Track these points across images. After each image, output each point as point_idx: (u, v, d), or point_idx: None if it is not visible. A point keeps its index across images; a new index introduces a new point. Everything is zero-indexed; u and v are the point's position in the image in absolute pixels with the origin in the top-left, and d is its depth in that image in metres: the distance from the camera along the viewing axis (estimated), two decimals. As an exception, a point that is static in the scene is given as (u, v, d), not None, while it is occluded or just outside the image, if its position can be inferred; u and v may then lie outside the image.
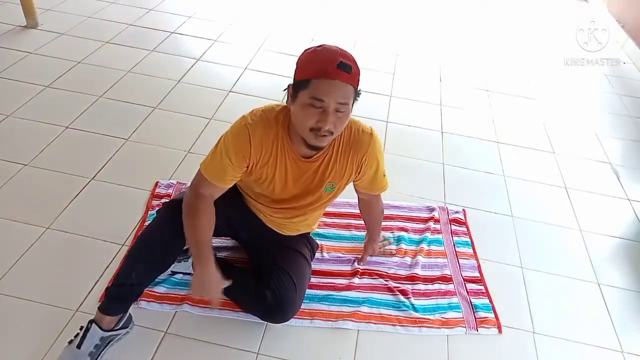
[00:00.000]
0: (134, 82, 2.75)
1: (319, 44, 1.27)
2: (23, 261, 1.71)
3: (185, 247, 1.67)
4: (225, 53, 3.14)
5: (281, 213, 1.58)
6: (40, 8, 3.20)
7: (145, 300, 1.61)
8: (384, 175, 1.57)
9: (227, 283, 1.42)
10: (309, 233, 1.73)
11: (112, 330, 1.43)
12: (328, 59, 1.21)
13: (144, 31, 3.28)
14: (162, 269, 1.51)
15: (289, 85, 1.30)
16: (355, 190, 1.63)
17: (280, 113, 1.37)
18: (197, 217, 1.37)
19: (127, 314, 1.47)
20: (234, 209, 1.61)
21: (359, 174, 1.49)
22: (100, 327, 1.40)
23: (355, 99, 1.28)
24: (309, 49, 1.27)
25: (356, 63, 1.25)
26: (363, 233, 1.99)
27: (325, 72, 1.20)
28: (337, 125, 1.26)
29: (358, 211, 2.06)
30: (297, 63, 1.28)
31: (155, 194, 2.01)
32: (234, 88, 2.79)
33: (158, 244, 1.42)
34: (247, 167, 1.40)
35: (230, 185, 1.44)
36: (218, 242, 1.84)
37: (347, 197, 2.08)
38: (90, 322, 1.41)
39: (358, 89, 1.27)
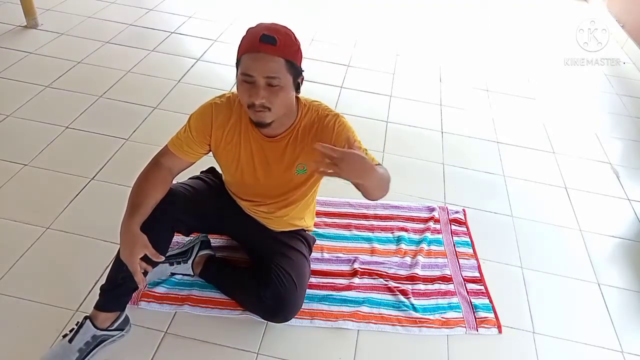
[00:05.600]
0: (134, 82, 2.75)
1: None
2: (23, 261, 1.71)
3: (177, 252, 1.68)
4: (225, 53, 3.14)
5: (264, 206, 1.58)
6: (40, 8, 3.20)
7: (145, 301, 1.61)
8: (367, 154, 1.33)
9: (153, 252, 1.30)
10: (303, 230, 1.73)
11: (106, 330, 1.43)
12: (253, 34, 1.23)
13: (144, 31, 3.28)
14: (153, 261, 1.50)
15: None
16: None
17: None
18: (144, 181, 1.38)
19: (124, 316, 1.47)
20: (228, 209, 1.62)
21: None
22: (94, 325, 1.40)
23: (296, 74, 1.27)
24: None
25: (289, 36, 1.25)
26: (363, 233, 1.99)
27: (250, 47, 1.22)
28: (272, 99, 1.25)
29: (358, 211, 2.08)
30: None
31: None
32: (234, 88, 2.79)
33: (146, 235, 1.42)
34: (209, 145, 1.44)
35: (191, 161, 1.46)
36: (218, 242, 1.84)
37: (347, 196, 2.10)
38: (86, 318, 1.42)
39: (296, 64, 1.27)
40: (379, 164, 1.46)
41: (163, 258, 1.33)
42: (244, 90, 1.26)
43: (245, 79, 1.25)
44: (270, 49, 1.21)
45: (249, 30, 1.26)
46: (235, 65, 1.29)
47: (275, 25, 1.26)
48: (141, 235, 1.31)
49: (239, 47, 1.27)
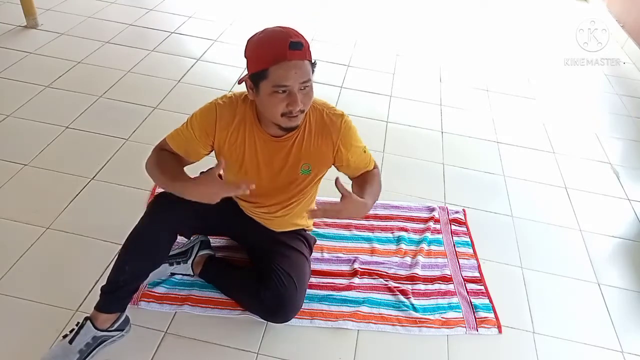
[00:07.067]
0: (134, 82, 2.75)
1: (261, 30, 1.27)
2: (23, 261, 1.71)
3: (176, 252, 1.68)
4: (225, 53, 3.14)
5: (265, 208, 1.58)
6: (40, 8, 3.20)
7: (145, 301, 1.61)
8: (365, 152, 1.50)
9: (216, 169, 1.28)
10: (304, 230, 1.73)
11: (106, 330, 1.43)
12: (278, 42, 1.21)
13: (144, 31, 3.28)
14: (155, 262, 1.51)
15: (244, 78, 1.30)
16: (350, 178, 1.57)
17: (248, 96, 1.37)
18: (159, 163, 1.38)
19: (124, 317, 1.47)
20: (229, 210, 1.61)
21: (338, 158, 1.46)
22: (94, 325, 1.41)
23: (313, 70, 1.28)
24: (252, 37, 1.27)
25: (303, 37, 1.25)
26: (363, 233, 1.99)
27: (280, 56, 1.20)
28: (306, 101, 1.27)
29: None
30: (246, 55, 1.28)
31: (155, 193, 2.01)
32: (234, 88, 2.79)
33: (149, 237, 1.43)
34: (212, 146, 1.43)
35: (190, 159, 1.45)
36: (218, 242, 1.84)
37: (347, 197, 2.09)
38: (86, 319, 1.42)
39: (313, 61, 1.28)
40: (375, 167, 1.53)
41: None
42: (279, 101, 1.24)
43: (278, 90, 1.23)
44: (300, 55, 1.21)
45: (267, 41, 1.23)
46: (252, 77, 1.26)
47: (289, 29, 1.25)
48: (198, 177, 1.32)
49: (258, 60, 1.23)
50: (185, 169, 1.45)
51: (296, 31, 1.25)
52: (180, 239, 1.76)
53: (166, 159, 1.38)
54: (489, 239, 2.06)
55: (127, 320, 1.49)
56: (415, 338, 1.64)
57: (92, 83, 2.67)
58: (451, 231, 2.05)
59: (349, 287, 1.76)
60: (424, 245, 1.96)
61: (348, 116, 1.46)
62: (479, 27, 4.09)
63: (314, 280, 1.75)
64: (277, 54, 1.20)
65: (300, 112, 1.28)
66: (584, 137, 2.84)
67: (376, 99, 2.91)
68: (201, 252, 1.70)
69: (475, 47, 3.75)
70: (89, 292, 1.62)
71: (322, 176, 1.54)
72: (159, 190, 2.02)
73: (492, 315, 1.73)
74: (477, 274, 1.88)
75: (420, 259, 1.89)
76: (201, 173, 1.69)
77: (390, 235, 2.00)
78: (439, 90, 3.09)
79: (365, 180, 1.50)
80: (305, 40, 1.25)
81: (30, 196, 1.97)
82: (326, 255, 1.87)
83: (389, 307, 1.71)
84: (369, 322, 1.66)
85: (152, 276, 1.63)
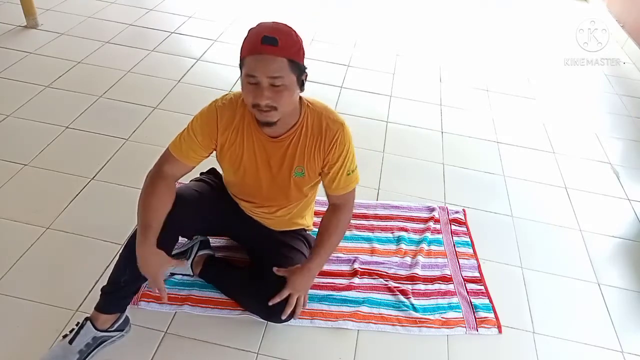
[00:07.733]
0: (134, 82, 2.75)
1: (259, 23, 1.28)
2: (23, 261, 1.71)
3: (177, 251, 1.68)
4: (225, 53, 3.14)
5: (264, 208, 1.58)
6: (40, 8, 3.20)
7: (145, 301, 1.61)
8: (350, 173, 1.48)
9: (174, 264, 1.42)
10: (304, 230, 1.73)
11: (106, 331, 1.43)
12: (255, 35, 1.23)
13: (144, 31, 3.28)
14: None
15: None
16: (326, 192, 1.56)
17: None
18: (151, 196, 1.37)
19: (124, 317, 1.47)
20: (229, 210, 1.61)
21: (326, 162, 1.44)
22: (94, 326, 1.41)
23: (300, 72, 1.27)
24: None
25: (290, 35, 1.25)
26: (363, 233, 1.99)
27: (252, 48, 1.22)
28: (277, 99, 1.25)
29: (358, 211, 2.07)
30: None
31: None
32: (233, 88, 2.79)
33: None
34: (215, 148, 1.43)
35: (194, 165, 1.45)
36: (218, 242, 1.84)
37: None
38: (86, 319, 1.42)
39: (299, 62, 1.27)
40: (352, 191, 1.53)
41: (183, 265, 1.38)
42: (249, 91, 1.26)
43: (249, 80, 1.25)
44: (272, 50, 1.21)
45: (251, 31, 1.26)
46: (238, 66, 1.29)
47: (277, 25, 1.26)
48: (161, 253, 1.35)
49: (241, 49, 1.27)
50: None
51: (283, 27, 1.25)
52: (180, 238, 1.75)
53: (155, 204, 1.37)
54: (489, 239, 2.06)
55: (127, 320, 1.49)
56: (415, 338, 1.64)
57: (92, 83, 2.68)
58: (451, 231, 2.05)
59: (349, 287, 1.76)
60: (424, 245, 1.96)
61: (348, 127, 1.44)
62: (479, 27, 4.09)
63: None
64: (250, 45, 1.23)
65: (271, 109, 1.26)
66: (584, 137, 2.84)
67: (376, 99, 2.91)
68: (201, 252, 1.70)
69: (475, 47, 3.75)
70: (89, 292, 1.62)
71: (319, 179, 1.53)
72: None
73: (492, 315, 1.73)
74: (477, 274, 1.88)
75: (420, 259, 1.89)
76: (201, 173, 1.70)
77: (390, 235, 2.00)
78: (439, 90, 3.09)
79: (335, 215, 1.54)
80: (290, 40, 1.24)
81: (30, 196, 1.97)
82: (326, 255, 1.87)
83: (389, 307, 1.71)
84: (369, 322, 1.66)
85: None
